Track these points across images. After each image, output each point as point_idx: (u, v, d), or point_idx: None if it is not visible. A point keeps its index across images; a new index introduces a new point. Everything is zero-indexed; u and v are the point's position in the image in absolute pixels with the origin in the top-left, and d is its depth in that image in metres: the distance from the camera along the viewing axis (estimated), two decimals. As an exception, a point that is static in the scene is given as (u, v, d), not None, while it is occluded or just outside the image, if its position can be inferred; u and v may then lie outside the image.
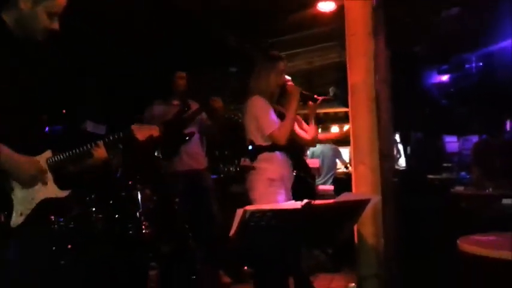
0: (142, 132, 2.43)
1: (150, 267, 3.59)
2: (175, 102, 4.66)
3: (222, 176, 6.26)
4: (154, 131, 2.49)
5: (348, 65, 2.99)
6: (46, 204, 2.15)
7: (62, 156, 2.25)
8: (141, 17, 4.72)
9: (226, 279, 4.45)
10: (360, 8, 2.95)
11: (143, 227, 3.62)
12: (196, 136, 4.60)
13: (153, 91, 4.96)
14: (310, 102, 3.44)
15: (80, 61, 4.77)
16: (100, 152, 2.33)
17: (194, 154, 4.58)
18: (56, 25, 2.16)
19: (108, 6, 4.26)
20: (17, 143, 2.05)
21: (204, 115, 4.60)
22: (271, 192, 3.19)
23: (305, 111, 3.57)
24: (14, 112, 2.08)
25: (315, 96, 3.44)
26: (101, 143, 2.34)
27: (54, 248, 3.20)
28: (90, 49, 4.76)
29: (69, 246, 3.29)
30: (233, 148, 6.76)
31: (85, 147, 2.32)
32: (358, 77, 2.90)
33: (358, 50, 2.93)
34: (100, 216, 3.56)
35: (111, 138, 2.37)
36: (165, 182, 4.49)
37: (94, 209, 3.59)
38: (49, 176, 2.18)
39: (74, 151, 2.30)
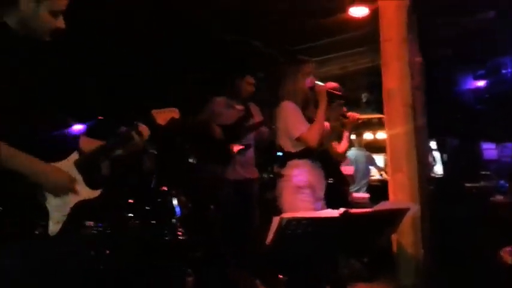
0: (162, 116, 2.41)
1: (186, 274, 3.60)
2: (239, 106, 4.54)
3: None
4: (175, 113, 2.45)
5: (382, 71, 2.96)
6: (80, 208, 2.14)
7: (92, 154, 2.23)
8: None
9: None
10: (395, 13, 2.92)
11: (179, 233, 3.64)
12: (252, 147, 4.52)
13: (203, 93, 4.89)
14: (350, 116, 3.40)
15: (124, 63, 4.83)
16: (142, 127, 2.31)
17: (247, 164, 4.50)
18: (61, 23, 2.13)
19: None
20: (42, 150, 2.03)
21: (264, 127, 4.51)
22: (298, 200, 3.15)
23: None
24: (35, 119, 2.06)
25: (340, 93, 3.37)
26: (139, 123, 2.31)
27: (92, 253, 3.25)
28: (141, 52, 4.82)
29: (107, 251, 3.33)
30: (266, 155, 6.75)
31: (122, 134, 2.29)
32: (394, 83, 2.87)
33: (393, 55, 2.90)
34: (136, 222, 3.60)
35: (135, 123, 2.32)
36: (202, 188, 4.48)
37: (131, 215, 3.63)
38: (79, 178, 2.16)
39: (106, 144, 2.27)
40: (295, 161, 3.22)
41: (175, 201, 3.81)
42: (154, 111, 2.39)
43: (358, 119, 3.42)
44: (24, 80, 2.06)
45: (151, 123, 2.36)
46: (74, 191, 2.10)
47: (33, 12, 2.04)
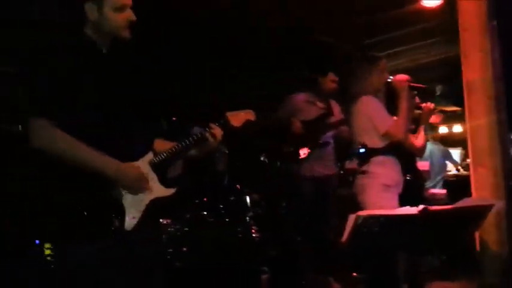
0: (237, 118, 2.41)
1: (261, 272, 3.63)
2: (320, 104, 4.52)
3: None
4: (250, 114, 2.45)
5: (462, 62, 2.83)
6: (155, 205, 2.20)
7: (166, 154, 2.28)
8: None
9: (336, 286, 4.38)
10: (474, 1, 2.78)
11: (253, 231, 3.68)
12: (331, 144, 4.48)
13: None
14: (425, 108, 3.30)
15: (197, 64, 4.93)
16: (216, 129, 2.32)
17: (325, 160, 4.48)
18: (131, 16, 2.18)
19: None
20: (119, 150, 2.13)
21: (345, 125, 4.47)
22: (385, 198, 3.09)
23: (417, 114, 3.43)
24: (111, 119, 2.16)
25: (424, 86, 3.30)
26: (213, 124, 2.33)
27: (170, 250, 3.35)
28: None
29: (184, 249, 3.41)
30: (336, 151, 6.67)
31: (196, 135, 2.32)
32: (475, 74, 2.74)
33: (473, 45, 2.77)
34: (211, 220, 3.67)
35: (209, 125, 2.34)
36: (273, 186, 4.50)
37: (205, 213, 3.70)
38: (154, 177, 2.22)
39: (180, 144, 2.31)
40: (381, 158, 3.18)
41: (248, 199, 3.85)
42: (229, 114, 2.40)
43: (434, 109, 3.31)
44: (106, 84, 2.16)
45: (225, 125, 2.38)
46: (148, 188, 2.18)
47: (100, 17, 2.15)
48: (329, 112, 4.44)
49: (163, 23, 4.08)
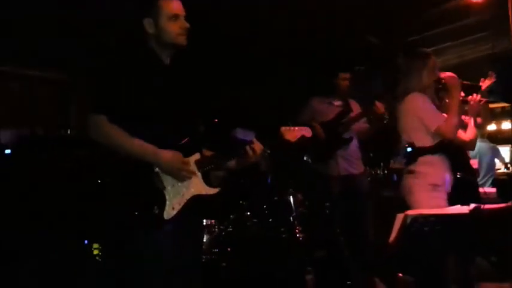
0: (292, 134, 2.45)
1: (306, 272, 3.62)
2: (337, 102, 4.61)
3: (369, 179, 6.11)
4: (306, 131, 2.49)
5: (513, 56, 2.73)
6: (196, 201, 2.30)
7: (210, 159, 2.39)
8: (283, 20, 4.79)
9: (381, 287, 4.32)
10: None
11: (297, 231, 3.66)
12: (354, 140, 4.53)
13: (304, 93, 4.97)
14: (472, 100, 3.22)
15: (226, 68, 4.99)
16: (257, 145, 2.39)
17: (351, 158, 4.50)
18: (184, 23, 2.35)
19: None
20: (169, 147, 2.27)
21: (363, 120, 4.51)
22: (435, 198, 3.03)
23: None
24: (164, 123, 2.31)
25: (479, 84, 3.22)
26: (254, 139, 2.41)
27: (215, 250, 3.38)
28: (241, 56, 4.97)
29: (229, 249, 3.43)
30: (379, 150, 6.58)
31: (237, 150, 2.42)
32: (526, 69, 2.64)
33: (526, 39, 2.66)
34: (255, 220, 3.68)
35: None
36: (316, 186, 4.50)
37: (249, 213, 3.71)
38: (198, 175, 2.34)
39: (220, 155, 2.42)
40: (429, 157, 3.12)
41: (291, 199, 3.84)
42: (283, 129, 2.45)
43: (480, 101, 3.22)
44: (164, 92, 2.35)
45: (279, 139, 2.44)
46: (189, 176, 2.29)
47: (157, 28, 2.35)
48: (347, 109, 4.50)
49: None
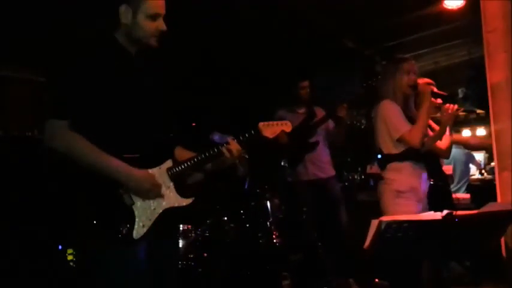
0: (270, 129, 2.35)
1: (283, 277, 3.62)
2: (301, 110, 4.71)
3: (346, 184, 6.15)
4: (286, 126, 2.40)
5: (486, 64, 2.76)
6: (169, 214, 2.17)
7: (184, 165, 2.26)
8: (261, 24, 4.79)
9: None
10: (499, 3, 2.72)
11: (273, 236, 3.66)
12: (322, 144, 4.59)
13: (275, 100, 5.04)
14: (445, 106, 3.24)
15: (202, 73, 4.97)
16: (233, 145, 2.27)
17: (319, 163, 4.57)
18: (162, 25, 2.18)
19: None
20: (137, 153, 2.13)
21: (330, 122, 4.57)
22: (398, 204, 3.05)
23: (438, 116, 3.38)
24: (133, 125, 2.16)
25: (447, 94, 3.23)
26: (231, 139, 2.30)
27: (191, 256, 3.35)
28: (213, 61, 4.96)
29: (205, 254, 3.41)
30: (356, 155, 6.63)
31: (213, 150, 2.29)
32: (500, 76, 2.67)
33: (498, 47, 2.70)
34: (232, 225, 3.67)
35: (240, 137, 2.32)
36: (292, 191, 4.52)
37: (226, 218, 3.70)
38: (170, 186, 2.20)
39: (197, 157, 2.28)
40: (396, 164, 3.13)
41: (268, 204, 3.84)
42: (261, 124, 2.34)
43: (457, 109, 3.24)
44: (131, 88, 2.17)
45: (257, 136, 2.34)
46: (160, 196, 2.16)
47: (132, 22, 2.15)
48: (311, 114, 4.60)
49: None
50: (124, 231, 2.04)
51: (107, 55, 2.14)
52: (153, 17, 2.16)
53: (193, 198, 2.25)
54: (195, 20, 4.23)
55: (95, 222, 2.03)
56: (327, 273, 3.86)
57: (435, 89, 3.17)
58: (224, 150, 2.27)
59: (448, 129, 3.32)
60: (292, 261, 3.81)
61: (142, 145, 2.17)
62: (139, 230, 2.07)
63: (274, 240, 3.65)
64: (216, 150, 2.29)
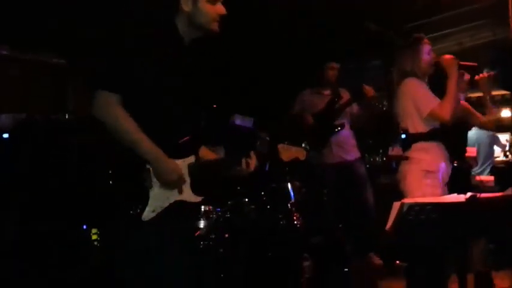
0: (287, 154, 2.46)
1: (303, 258, 3.63)
2: (326, 92, 4.69)
3: (368, 166, 6.12)
4: (301, 154, 2.49)
5: (513, 45, 2.70)
6: (178, 206, 2.20)
7: (204, 167, 2.32)
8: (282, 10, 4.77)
9: (378, 261, 4.37)
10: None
11: (294, 218, 3.67)
12: (347, 126, 4.57)
13: (301, 81, 5.02)
14: (480, 79, 3.19)
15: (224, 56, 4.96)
16: (253, 161, 2.34)
17: (345, 145, 4.56)
18: (222, 9, 2.22)
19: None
20: (168, 144, 2.16)
21: (354, 105, 4.55)
22: (426, 185, 3.02)
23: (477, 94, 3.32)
24: (173, 114, 2.20)
25: (474, 64, 3.17)
26: (252, 154, 2.35)
27: (212, 236, 3.38)
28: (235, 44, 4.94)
29: (226, 235, 3.44)
30: (377, 137, 6.58)
31: (233, 160, 2.37)
32: (526, 57, 2.62)
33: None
34: (252, 207, 3.68)
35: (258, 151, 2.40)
36: (314, 173, 4.51)
37: (246, 199, 3.71)
38: (187, 181, 2.24)
39: (217, 163, 2.39)
40: (422, 144, 3.09)
41: (289, 186, 3.84)
42: (281, 146, 2.44)
43: (489, 76, 3.18)
44: (175, 78, 2.20)
45: (275, 155, 2.44)
46: (179, 189, 2.20)
47: (194, 8, 2.18)
48: (337, 96, 4.58)
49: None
50: (137, 211, 2.09)
51: (163, 42, 2.17)
52: (213, 1, 2.20)
53: (203, 198, 2.31)
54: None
55: (114, 196, 2.12)
56: (347, 255, 3.86)
57: (461, 62, 3.13)
58: (243, 162, 2.33)
59: (488, 101, 3.26)
60: (312, 243, 3.82)
61: (177, 135, 2.22)
62: (149, 213, 2.12)
63: (295, 222, 3.65)
64: (236, 159, 2.35)
